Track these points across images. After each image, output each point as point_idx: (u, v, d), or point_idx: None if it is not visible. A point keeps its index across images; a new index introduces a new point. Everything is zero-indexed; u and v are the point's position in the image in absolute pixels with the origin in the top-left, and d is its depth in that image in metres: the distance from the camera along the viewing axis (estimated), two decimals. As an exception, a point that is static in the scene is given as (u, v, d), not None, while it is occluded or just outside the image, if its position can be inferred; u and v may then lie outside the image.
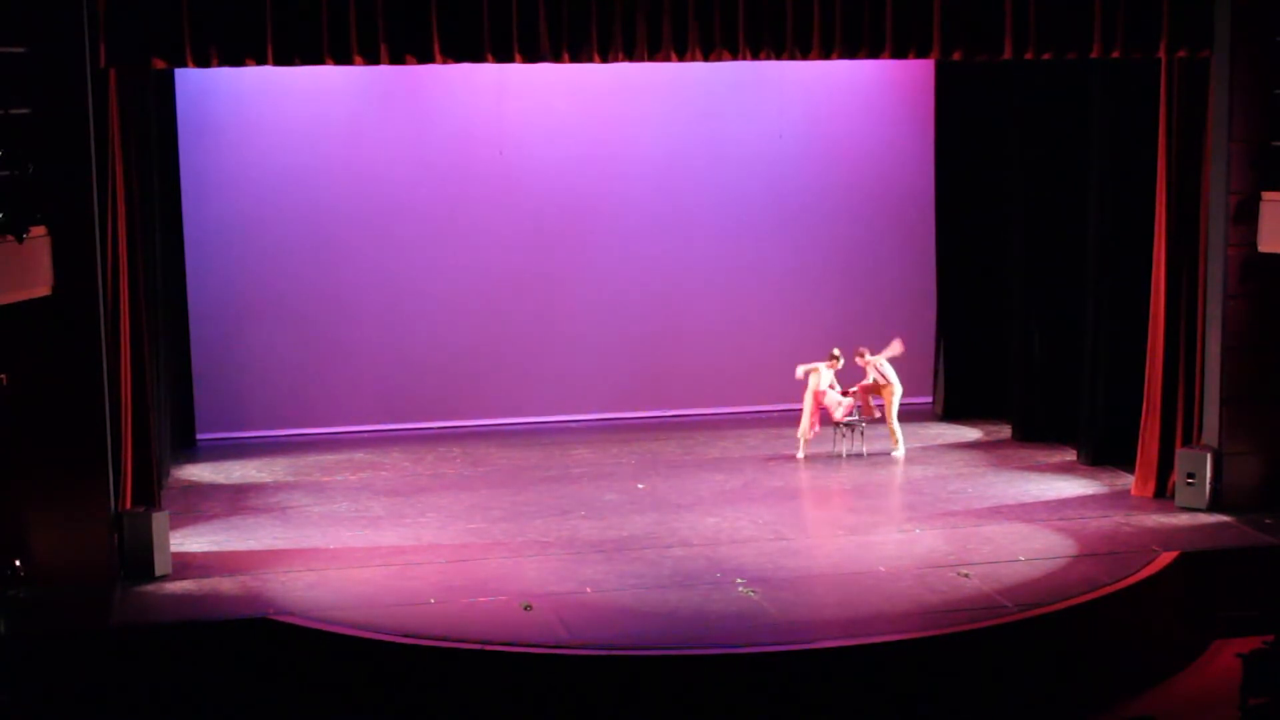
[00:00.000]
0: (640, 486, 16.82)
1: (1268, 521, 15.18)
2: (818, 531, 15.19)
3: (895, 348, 17.99)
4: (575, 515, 15.77)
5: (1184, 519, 15.36)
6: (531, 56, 14.34)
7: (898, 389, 17.85)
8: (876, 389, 17.93)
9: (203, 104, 18.23)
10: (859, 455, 17.76)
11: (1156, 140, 15.82)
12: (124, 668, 12.59)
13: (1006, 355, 19.17)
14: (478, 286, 19.32)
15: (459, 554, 14.58)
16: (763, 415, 19.87)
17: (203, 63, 13.77)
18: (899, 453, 17.80)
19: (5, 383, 13.24)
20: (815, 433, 17.77)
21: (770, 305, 19.97)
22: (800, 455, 17.74)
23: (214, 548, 14.79)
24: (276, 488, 16.90)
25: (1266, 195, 15.27)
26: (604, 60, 14.52)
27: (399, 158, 18.96)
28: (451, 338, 19.34)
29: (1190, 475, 15.59)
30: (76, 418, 13.71)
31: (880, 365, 17.87)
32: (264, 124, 18.61)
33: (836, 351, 17.85)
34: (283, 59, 13.92)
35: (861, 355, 17.90)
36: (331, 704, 12.57)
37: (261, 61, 13.90)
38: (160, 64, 13.85)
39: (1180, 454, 15.75)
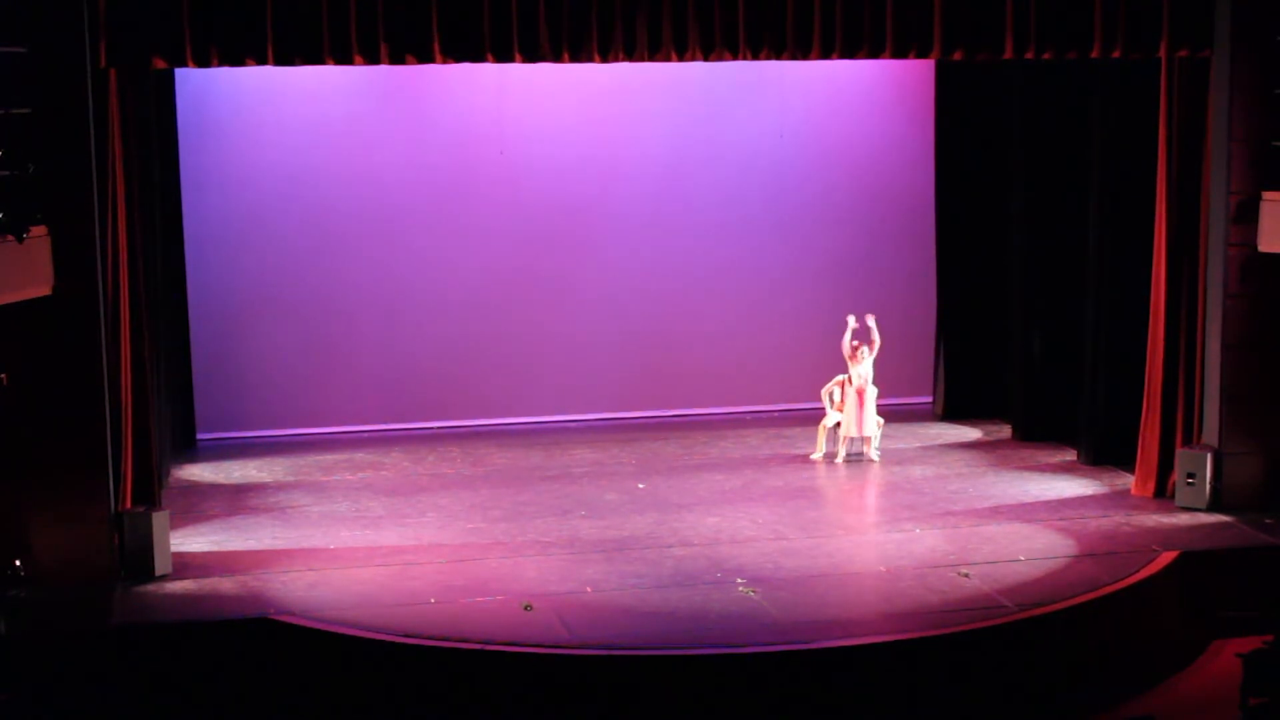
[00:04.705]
0: (641, 486, 16.82)
1: (1268, 521, 15.19)
2: (818, 531, 15.18)
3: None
4: (575, 515, 15.78)
5: (1184, 519, 15.36)
6: (531, 56, 14.35)
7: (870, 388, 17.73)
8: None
9: (203, 104, 18.22)
10: (859, 458, 17.74)
11: (1156, 140, 15.83)
12: (124, 668, 12.59)
13: (1006, 355, 19.17)
14: (478, 286, 19.31)
15: (459, 554, 14.59)
16: (762, 415, 19.87)
17: (203, 63, 13.78)
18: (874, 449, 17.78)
19: (5, 383, 13.25)
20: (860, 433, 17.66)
21: (770, 305, 19.96)
22: (841, 458, 17.67)
23: (214, 548, 14.79)
24: (276, 488, 16.90)
25: (1266, 195, 15.27)
26: (604, 60, 14.52)
27: (399, 157, 18.95)
28: (452, 337, 19.33)
29: (1190, 475, 15.59)
30: (76, 418, 13.71)
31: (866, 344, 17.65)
32: (264, 124, 18.59)
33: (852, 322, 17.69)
34: (283, 59, 13.93)
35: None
36: (331, 704, 12.57)
37: (261, 61, 13.91)
38: (160, 64, 13.86)
39: (1180, 454, 15.76)
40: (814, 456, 17.85)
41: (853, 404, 17.53)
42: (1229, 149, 15.29)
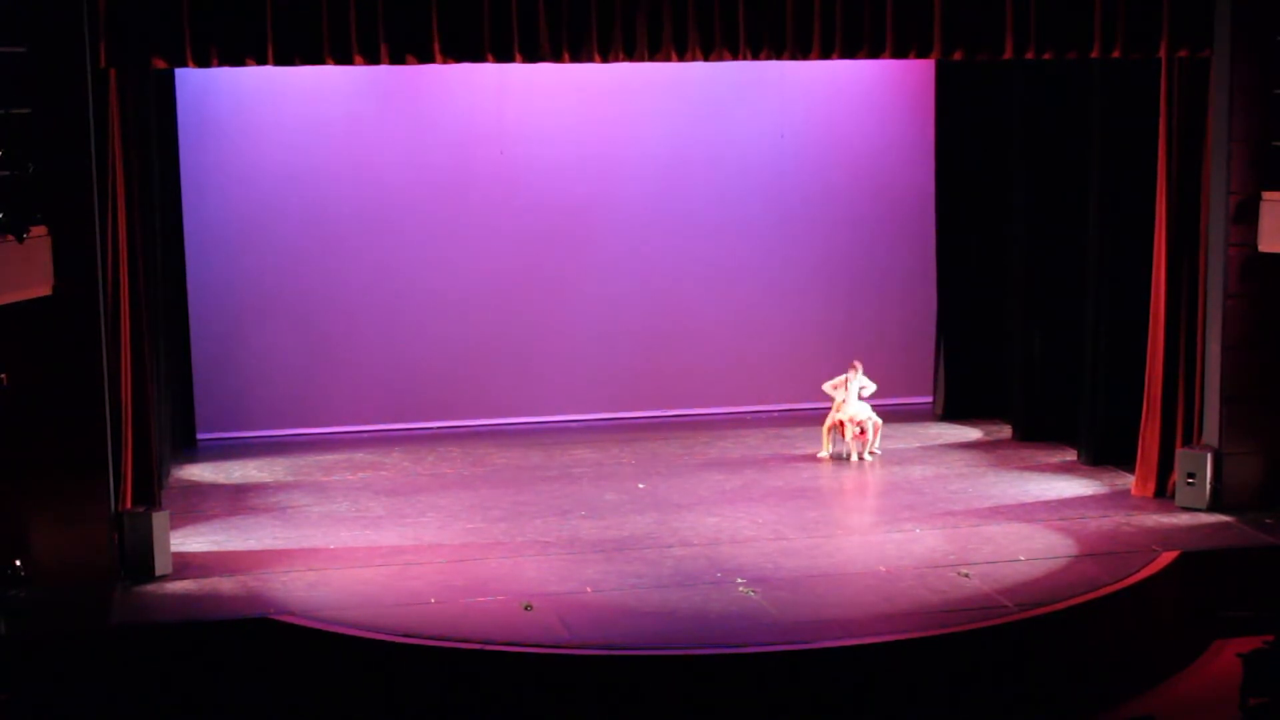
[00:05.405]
0: (641, 486, 16.82)
1: (1268, 521, 15.19)
2: (818, 531, 15.18)
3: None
4: (575, 515, 15.77)
5: (1184, 519, 15.36)
6: (531, 56, 14.35)
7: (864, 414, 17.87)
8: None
9: (203, 104, 18.23)
10: (863, 457, 17.75)
11: (1156, 140, 15.83)
12: (124, 668, 12.59)
13: (1006, 355, 19.17)
14: (478, 286, 19.32)
15: (459, 554, 14.59)
16: (762, 415, 19.87)
17: (203, 63, 13.78)
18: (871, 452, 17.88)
19: (5, 383, 13.24)
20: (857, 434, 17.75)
21: (770, 305, 19.97)
22: (855, 457, 17.71)
23: (214, 548, 14.79)
24: (276, 488, 16.90)
25: (1266, 195, 15.27)
26: (604, 60, 14.52)
27: (399, 158, 18.95)
28: (452, 337, 19.33)
29: (1190, 475, 15.59)
30: (76, 418, 13.71)
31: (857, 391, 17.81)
32: (264, 124, 18.60)
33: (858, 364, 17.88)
34: (283, 59, 13.93)
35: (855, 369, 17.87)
36: (331, 704, 12.58)
37: (261, 61, 13.91)
38: (160, 64, 13.87)
39: (1180, 454, 15.76)
40: (821, 455, 17.87)
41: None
42: (1229, 149, 15.29)
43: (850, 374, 17.80)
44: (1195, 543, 14.60)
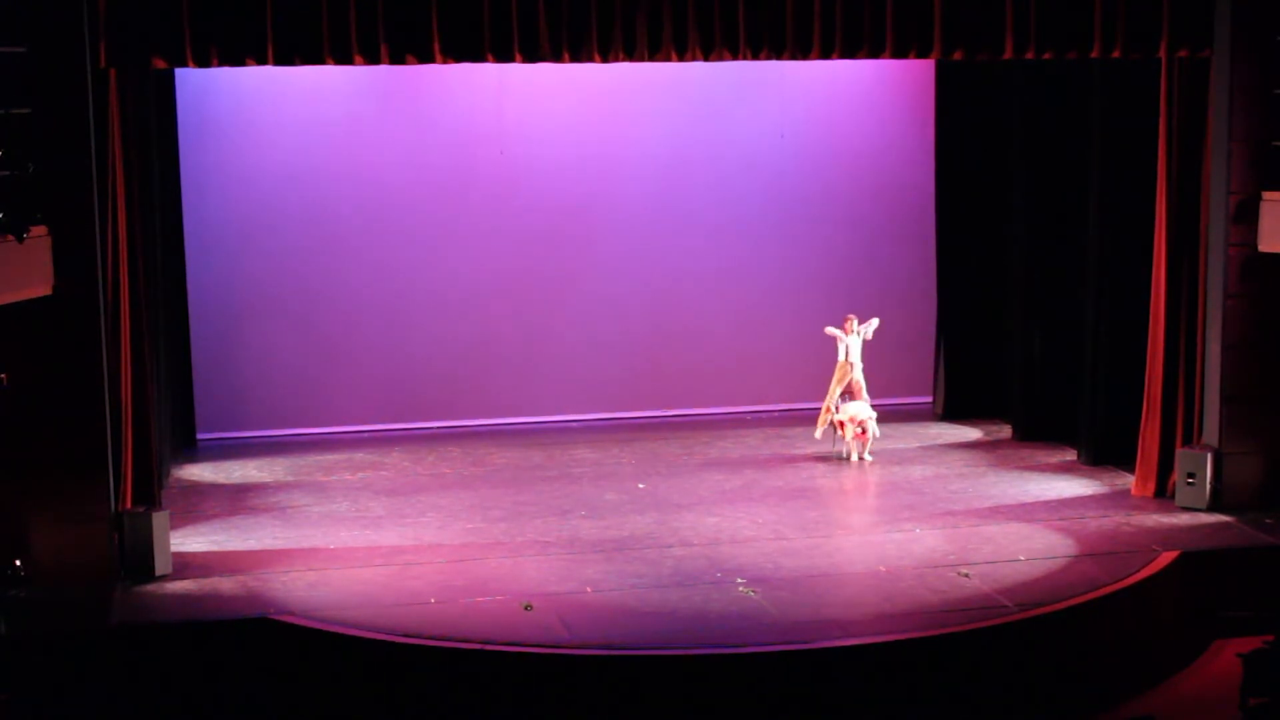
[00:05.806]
0: (641, 486, 16.82)
1: (1268, 521, 15.19)
2: (818, 531, 15.19)
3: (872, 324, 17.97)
4: (575, 515, 15.78)
5: (1184, 519, 15.36)
6: (531, 56, 14.36)
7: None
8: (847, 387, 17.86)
9: (203, 104, 18.23)
10: (863, 458, 17.74)
11: (1156, 140, 15.83)
12: (124, 668, 12.60)
13: (1006, 355, 19.17)
14: (478, 286, 19.32)
15: (459, 554, 14.59)
16: (762, 415, 19.87)
17: (203, 63, 13.79)
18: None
19: (5, 383, 13.25)
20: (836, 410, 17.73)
21: (770, 305, 19.97)
22: (855, 457, 17.68)
23: (214, 548, 14.79)
24: (276, 488, 16.90)
25: (1266, 195, 15.28)
26: (604, 60, 14.53)
27: (399, 157, 18.96)
28: (452, 337, 19.34)
29: (1190, 475, 15.59)
30: (76, 418, 13.71)
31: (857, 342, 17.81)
32: (264, 124, 18.61)
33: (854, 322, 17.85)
34: (283, 59, 13.94)
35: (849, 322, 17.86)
36: (331, 704, 12.58)
37: (261, 61, 13.92)
38: (160, 64, 13.87)
39: (1180, 454, 15.76)
40: (816, 435, 17.98)
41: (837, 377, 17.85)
42: (1229, 149, 15.29)
43: (844, 333, 17.76)
44: (1195, 543, 14.60)
